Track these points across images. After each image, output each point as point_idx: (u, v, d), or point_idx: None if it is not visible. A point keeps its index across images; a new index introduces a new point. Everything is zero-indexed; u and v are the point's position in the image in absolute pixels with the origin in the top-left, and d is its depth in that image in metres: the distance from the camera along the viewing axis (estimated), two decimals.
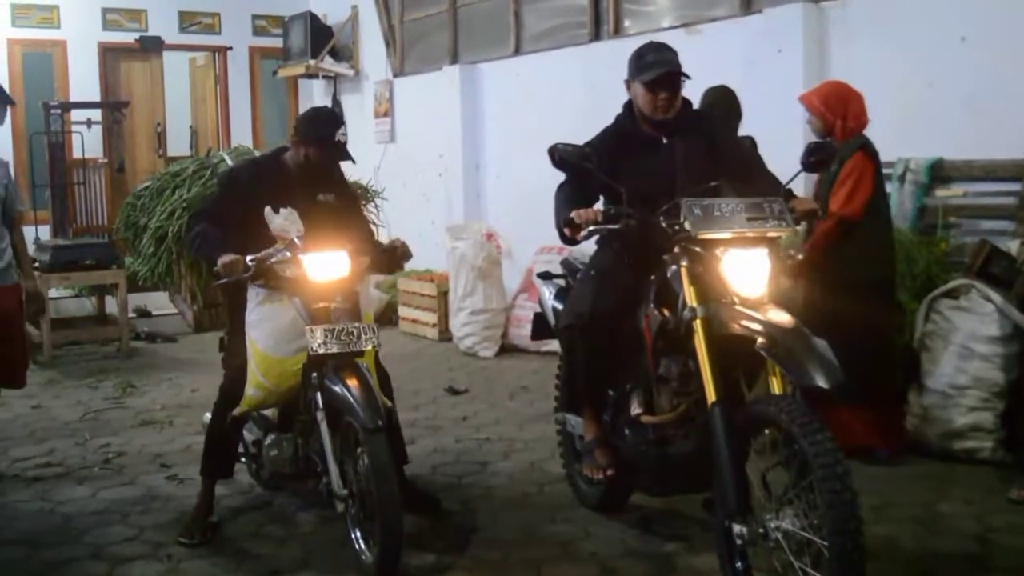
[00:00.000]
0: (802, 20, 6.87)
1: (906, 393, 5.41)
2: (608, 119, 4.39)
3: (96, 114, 12.31)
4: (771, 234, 3.67)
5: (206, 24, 13.41)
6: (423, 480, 5.11)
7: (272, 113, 13.91)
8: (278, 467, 4.45)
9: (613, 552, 4.25)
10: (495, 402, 6.97)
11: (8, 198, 5.35)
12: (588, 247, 4.45)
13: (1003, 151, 5.89)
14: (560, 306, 4.59)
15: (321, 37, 12.32)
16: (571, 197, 4.08)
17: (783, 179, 3.97)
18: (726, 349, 3.57)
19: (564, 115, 8.42)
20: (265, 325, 4.29)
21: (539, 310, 4.94)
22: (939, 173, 6.10)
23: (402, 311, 9.86)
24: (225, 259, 4.15)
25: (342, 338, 4.04)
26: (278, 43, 13.08)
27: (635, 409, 4.02)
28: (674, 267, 3.76)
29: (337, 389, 3.96)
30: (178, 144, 13.24)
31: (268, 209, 4.32)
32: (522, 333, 8.13)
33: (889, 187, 5.92)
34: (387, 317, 9.89)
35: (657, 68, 4.10)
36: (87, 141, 11.85)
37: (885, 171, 5.50)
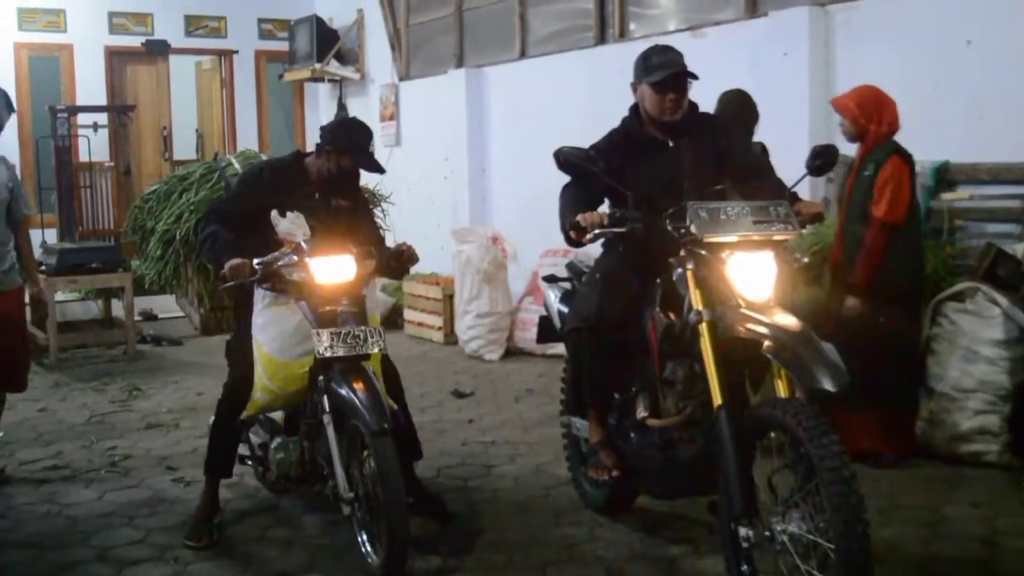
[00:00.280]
0: (808, 23, 6.88)
1: (916, 397, 5.40)
2: (614, 122, 4.39)
3: (102, 118, 12.34)
4: (777, 237, 3.67)
5: (212, 28, 13.44)
6: (429, 483, 5.11)
7: (278, 117, 13.94)
8: (284, 470, 4.45)
9: (619, 555, 4.25)
10: (501, 405, 6.97)
11: (13, 201, 5.36)
12: (593, 250, 4.46)
13: (1009, 154, 5.88)
14: (565, 309, 4.59)
15: (327, 41, 12.35)
16: (576, 198, 4.09)
17: (789, 183, 3.97)
18: (732, 352, 3.57)
19: (569, 118, 8.42)
20: (271, 328, 4.31)
21: (544, 313, 4.95)
22: (945, 176, 6.09)
23: (408, 314, 9.87)
24: (232, 262, 4.17)
25: (348, 341, 4.04)
26: (284, 47, 13.12)
27: (641, 412, 4.02)
28: (680, 270, 3.76)
29: (343, 392, 3.97)
30: (184, 148, 13.28)
31: (274, 213, 4.33)
32: (528, 336, 8.13)
33: None
34: (392, 320, 9.90)
35: (664, 69, 4.10)
36: (93, 145, 11.88)
37: None
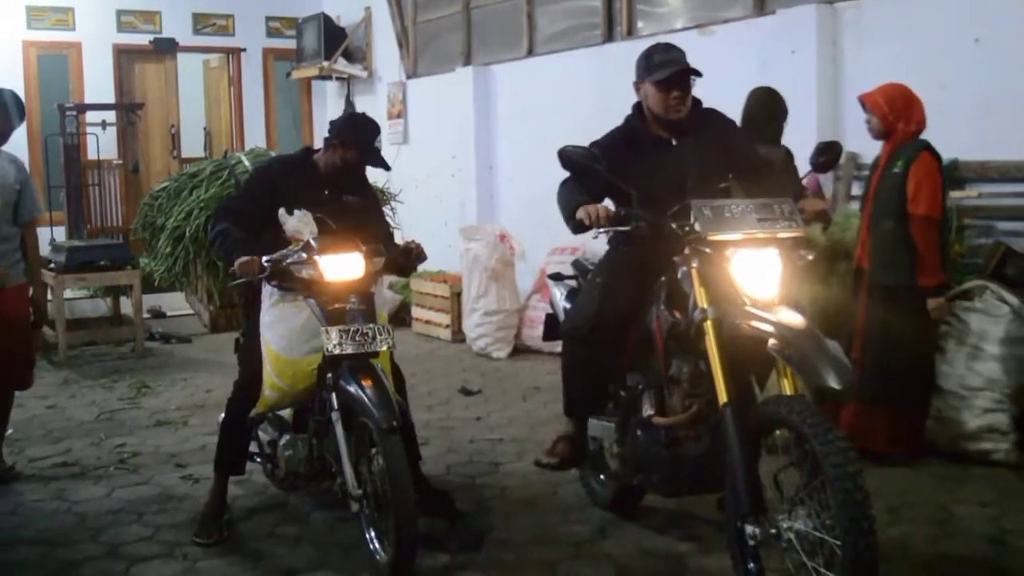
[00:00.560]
0: (816, 21, 6.86)
1: (930, 398, 5.38)
2: (621, 120, 4.39)
3: (111, 116, 12.37)
4: (781, 235, 3.67)
5: (220, 26, 13.46)
6: (437, 480, 5.12)
7: (285, 114, 13.96)
8: (293, 467, 4.47)
9: (627, 552, 4.26)
10: (508, 403, 6.98)
11: (21, 201, 5.37)
12: (599, 247, 4.46)
13: (1018, 152, 5.88)
14: (571, 307, 4.59)
15: (334, 39, 12.36)
16: (577, 191, 4.07)
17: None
18: (737, 350, 3.57)
19: (577, 116, 8.41)
20: (278, 326, 4.32)
21: (551, 311, 4.96)
22: (954, 174, 6.08)
23: (415, 312, 9.89)
24: (241, 259, 4.19)
25: (357, 339, 4.05)
26: (292, 45, 13.12)
27: (647, 410, 4.02)
28: (684, 268, 3.77)
29: (352, 390, 3.98)
30: (192, 145, 13.31)
31: (282, 210, 4.35)
32: (535, 334, 8.13)
33: None
34: (400, 318, 9.92)
35: (667, 67, 4.10)
36: (102, 142, 11.91)
37: None
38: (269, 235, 4.37)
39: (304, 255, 4.15)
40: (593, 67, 8.95)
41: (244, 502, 4.96)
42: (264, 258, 4.18)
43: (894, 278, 5.19)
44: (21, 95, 5.56)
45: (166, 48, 13.10)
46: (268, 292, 4.37)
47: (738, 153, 4.29)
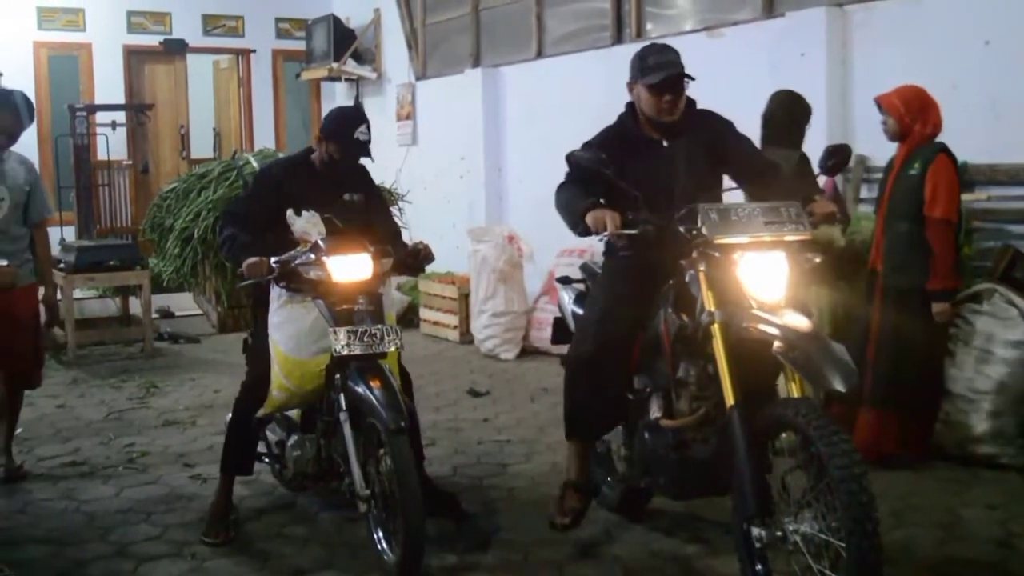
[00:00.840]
0: (825, 23, 6.87)
1: (939, 401, 5.35)
2: None
3: (121, 116, 12.39)
4: (788, 238, 3.66)
5: (230, 27, 13.50)
6: (444, 481, 5.13)
7: (295, 116, 13.99)
8: (301, 468, 4.48)
9: (634, 554, 4.26)
10: (516, 404, 6.99)
11: (31, 203, 5.39)
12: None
13: None
14: (579, 311, 4.58)
15: (344, 40, 12.38)
16: (581, 192, 4.05)
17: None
18: (746, 352, 3.57)
19: (586, 118, 8.31)
20: (287, 327, 4.33)
21: (559, 314, 4.96)
22: (963, 177, 6.06)
23: (423, 313, 9.90)
24: (249, 261, 4.20)
25: (365, 340, 4.06)
26: (301, 46, 13.15)
27: (655, 413, 4.02)
28: (692, 272, 3.76)
29: (360, 390, 3.99)
30: (202, 146, 13.34)
31: (290, 212, 4.37)
32: (543, 336, 8.13)
33: None
34: (408, 319, 9.93)
35: (661, 71, 4.06)
36: (112, 143, 11.93)
37: None
38: (275, 236, 4.38)
39: (312, 256, 4.16)
40: (602, 69, 8.93)
41: (252, 502, 4.97)
42: (272, 259, 4.20)
43: (908, 281, 5.17)
44: (32, 96, 5.58)
45: (176, 49, 13.14)
46: (276, 293, 4.38)
47: (738, 155, 4.25)
